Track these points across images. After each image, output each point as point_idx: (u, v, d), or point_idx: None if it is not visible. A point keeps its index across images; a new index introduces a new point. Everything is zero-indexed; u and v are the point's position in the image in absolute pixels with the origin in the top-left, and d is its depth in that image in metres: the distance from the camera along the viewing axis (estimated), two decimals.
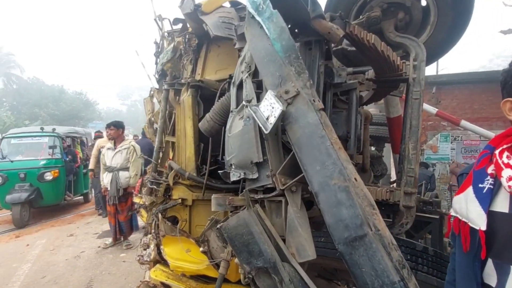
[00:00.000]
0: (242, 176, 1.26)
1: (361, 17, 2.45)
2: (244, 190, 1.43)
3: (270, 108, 1.14)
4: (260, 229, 1.14)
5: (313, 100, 1.11)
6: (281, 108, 1.07)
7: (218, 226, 1.24)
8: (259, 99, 1.33)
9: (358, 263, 0.92)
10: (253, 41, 1.32)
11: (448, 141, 7.68)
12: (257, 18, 1.27)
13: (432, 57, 2.51)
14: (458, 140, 7.58)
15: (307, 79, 1.16)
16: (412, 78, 2.25)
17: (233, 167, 1.29)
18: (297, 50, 1.18)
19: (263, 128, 1.13)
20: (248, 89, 1.35)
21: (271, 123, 1.10)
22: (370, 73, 2.43)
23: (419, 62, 2.26)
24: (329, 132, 1.05)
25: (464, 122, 5.88)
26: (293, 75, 1.14)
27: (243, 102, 1.33)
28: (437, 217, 4.11)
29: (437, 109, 5.78)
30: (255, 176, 1.23)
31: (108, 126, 5.88)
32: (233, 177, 1.29)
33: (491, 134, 5.81)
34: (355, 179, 0.98)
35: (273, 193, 1.20)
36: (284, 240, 1.17)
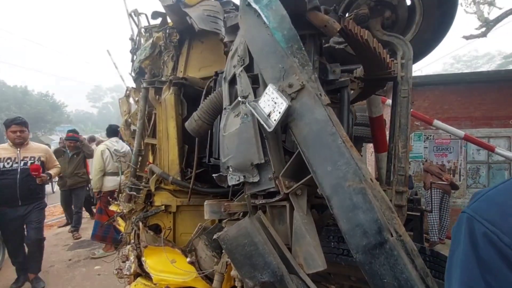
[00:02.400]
0: (241, 180, 1.14)
1: (347, 14, 2.42)
2: (239, 195, 1.31)
3: (272, 104, 1.03)
4: (264, 239, 1.02)
5: (320, 95, 1.02)
6: (286, 103, 0.97)
7: (215, 236, 1.10)
8: (255, 95, 1.22)
9: (379, 273, 0.83)
10: (249, 31, 1.21)
11: (421, 140, 7.99)
12: (254, 5, 1.16)
13: (417, 56, 2.54)
14: (430, 139, 7.90)
15: (312, 72, 1.06)
16: (400, 76, 2.24)
17: (230, 169, 1.16)
18: (300, 40, 1.08)
19: (265, 125, 1.02)
20: (244, 83, 1.23)
21: (274, 120, 0.99)
22: (358, 72, 2.41)
23: (406, 61, 2.26)
24: (339, 129, 0.96)
25: (436, 122, 6.13)
26: (297, 67, 1.04)
27: (239, 98, 1.21)
28: (418, 214, 4.23)
29: (412, 109, 5.99)
30: (256, 179, 1.11)
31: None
32: (231, 181, 1.17)
33: (461, 133, 6.11)
34: (371, 180, 0.90)
35: (276, 198, 1.09)
36: (289, 249, 1.06)
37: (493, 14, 12.64)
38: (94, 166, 4.83)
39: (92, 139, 7.90)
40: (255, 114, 1.06)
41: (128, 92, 3.42)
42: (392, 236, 0.84)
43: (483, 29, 12.70)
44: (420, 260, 0.84)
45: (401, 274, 0.82)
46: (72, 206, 6.10)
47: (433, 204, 5.88)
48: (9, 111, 24.72)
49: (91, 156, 5.80)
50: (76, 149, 5.87)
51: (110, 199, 3.09)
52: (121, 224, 2.84)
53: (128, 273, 2.29)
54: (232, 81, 1.40)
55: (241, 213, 1.30)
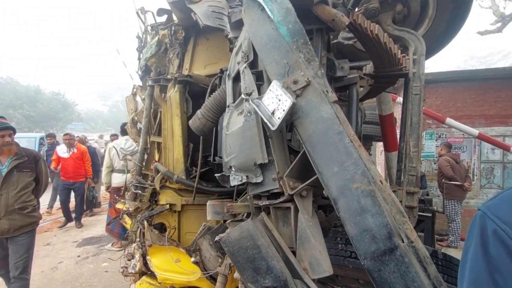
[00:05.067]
0: (244, 180, 1.10)
1: (357, 9, 2.35)
2: (243, 196, 1.27)
3: (276, 101, 0.99)
4: (267, 242, 0.98)
5: (326, 91, 0.97)
6: (291, 101, 0.92)
7: (217, 238, 1.07)
8: (260, 92, 1.17)
9: (389, 281, 0.78)
10: (253, 26, 1.16)
11: (433, 138, 7.80)
12: None
13: (430, 51, 2.44)
14: (442, 137, 7.70)
15: (318, 68, 1.01)
16: (412, 72, 2.16)
17: (233, 169, 1.13)
18: (306, 35, 1.03)
19: (268, 124, 0.97)
20: (247, 80, 1.19)
21: (279, 118, 0.94)
22: (368, 68, 2.34)
23: (418, 56, 2.18)
24: (346, 127, 0.91)
25: (449, 120, 5.96)
26: (303, 63, 0.99)
27: (242, 96, 1.17)
28: (430, 215, 4.12)
29: (423, 107, 5.85)
30: (259, 179, 1.07)
31: None
32: (234, 181, 1.13)
33: (475, 132, 5.92)
34: (381, 181, 0.84)
35: (281, 199, 1.04)
36: (294, 253, 1.01)
37: (509, 8, 12.24)
38: (104, 162, 5.12)
39: (101, 137, 7.91)
40: (259, 112, 1.01)
41: (134, 90, 3.42)
42: (403, 242, 0.79)
43: (499, 25, 12.30)
44: (433, 267, 0.79)
45: (413, 282, 0.76)
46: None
47: (454, 214, 5.79)
48: (22, 110, 25.34)
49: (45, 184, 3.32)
50: (16, 156, 2.94)
51: (117, 197, 3.09)
52: (128, 222, 2.85)
53: (133, 271, 2.28)
54: (236, 78, 1.36)
55: (245, 214, 1.26)
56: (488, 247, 0.51)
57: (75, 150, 6.36)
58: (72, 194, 6.49)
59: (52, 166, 6.39)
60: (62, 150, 6.32)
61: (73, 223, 6.51)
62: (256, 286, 0.97)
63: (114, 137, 7.57)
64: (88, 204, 6.82)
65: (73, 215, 6.61)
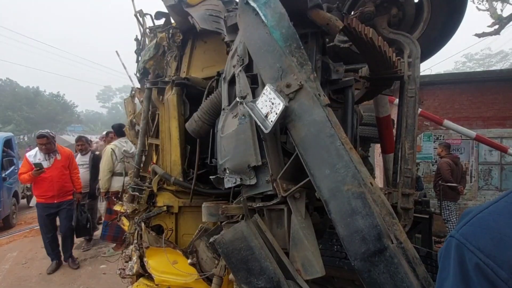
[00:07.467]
0: (238, 182, 1.11)
1: (353, 12, 2.37)
2: (239, 198, 1.28)
3: (269, 104, 1.00)
4: (260, 243, 1.00)
5: (318, 95, 0.98)
6: (283, 104, 0.94)
7: (211, 240, 1.08)
8: (254, 95, 1.19)
9: (378, 282, 0.80)
10: (248, 30, 1.18)
11: (431, 140, 7.83)
12: (252, 3, 1.13)
13: (425, 54, 2.46)
14: (440, 139, 7.73)
15: (311, 71, 1.03)
16: (407, 75, 2.18)
17: (227, 172, 1.14)
18: (299, 39, 1.05)
19: (262, 126, 0.99)
20: (242, 84, 1.21)
21: (271, 121, 0.96)
22: (363, 71, 2.36)
23: (413, 59, 2.20)
24: (338, 130, 0.93)
25: (447, 122, 5.98)
26: (295, 67, 1.01)
27: (237, 99, 1.18)
28: (427, 216, 4.12)
29: (420, 109, 5.88)
30: (253, 182, 1.09)
31: None
32: (228, 184, 1.14)
33: (472, 133, 5.95)
34: (371, 183, 0.86)
35: (274, 201, 1.06)
36: (287, 254, 1.03)
37: (507, 11, 12.31)
38: (103, 166, 4.64)
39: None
40: (252, 115, 1.03)
41: (133, 92, 3.44)
42: (392, 243, 0.80)
43: (496, 27, 12.37)
44: (422, 268, 0.80)
45: (402, 283, 0.78)
46: None
47: (449, 214, 5.87)
48: (21, 111, 25.34)
49: None
50: None
51: (115, 199, 3.10)
52: (126, 224, 2.85)
53: (130, 273, 2.29)
54: (232, 81, 1.38)
55: (240, 216, 1.28)
56: (469, 283, 0.46)
57: (59, 157, 4.40)
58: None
59: (23, 181, 4.50)
60: (36, 158, 4.29)
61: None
62: (250, 287, 0.99)
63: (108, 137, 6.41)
64: (80, 231, 4.74)
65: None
